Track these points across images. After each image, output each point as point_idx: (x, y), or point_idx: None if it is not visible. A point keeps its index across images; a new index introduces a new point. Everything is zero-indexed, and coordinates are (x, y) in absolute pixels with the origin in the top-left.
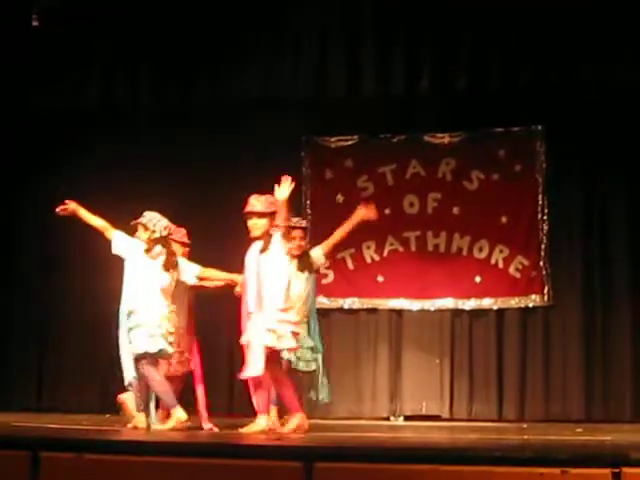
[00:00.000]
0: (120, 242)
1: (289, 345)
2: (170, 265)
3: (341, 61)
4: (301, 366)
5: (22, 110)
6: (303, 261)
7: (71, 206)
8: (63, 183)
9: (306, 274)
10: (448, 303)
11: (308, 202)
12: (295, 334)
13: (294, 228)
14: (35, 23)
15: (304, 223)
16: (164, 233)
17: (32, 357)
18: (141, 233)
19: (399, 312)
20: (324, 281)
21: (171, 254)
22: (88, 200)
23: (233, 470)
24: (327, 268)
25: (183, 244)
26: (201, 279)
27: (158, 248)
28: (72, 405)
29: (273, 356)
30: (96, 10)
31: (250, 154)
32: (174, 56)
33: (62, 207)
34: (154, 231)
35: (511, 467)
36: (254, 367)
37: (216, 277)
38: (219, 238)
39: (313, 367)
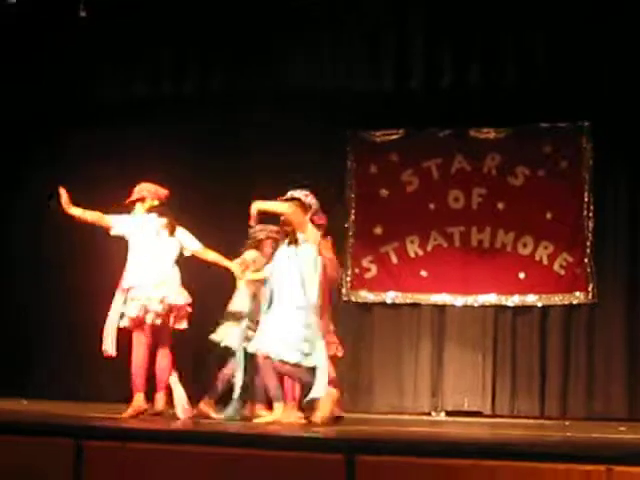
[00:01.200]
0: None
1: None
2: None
3: (389, 54)
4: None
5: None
6: None
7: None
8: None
9: None
10: (491, 299)
11: (352, 196)
12: None
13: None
14: (83, 13)
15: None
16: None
17: (49, 341)
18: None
19: (442, 307)
20: (367, 275)
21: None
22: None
23: (274, 461)
24: (371, 262)
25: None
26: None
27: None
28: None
29: None
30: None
31: (295, 147)
32: (220, 44)
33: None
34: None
35: (555, 463)
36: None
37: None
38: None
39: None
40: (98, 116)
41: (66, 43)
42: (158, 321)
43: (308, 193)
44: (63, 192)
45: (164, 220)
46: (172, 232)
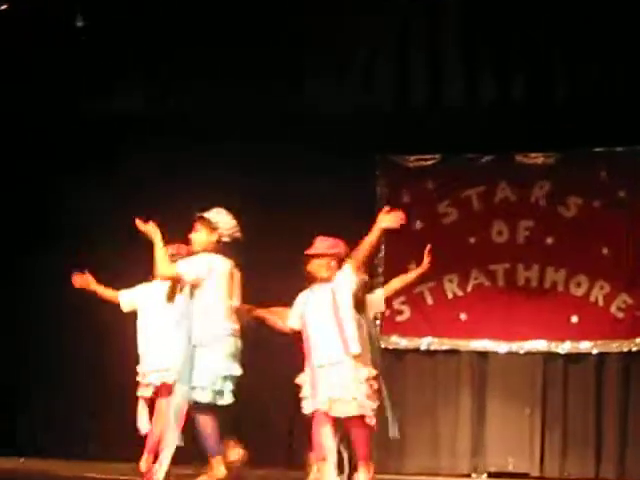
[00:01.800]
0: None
1: None
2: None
3: (421, 69)
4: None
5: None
6: None
7: (86, 278)
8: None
9: None
10: (540, 346)
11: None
12: None
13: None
14: (80, 23)
15: None
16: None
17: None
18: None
19: (484, 355)
20: (399, 318)
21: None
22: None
23: None
24: (403, 303)
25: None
26: None
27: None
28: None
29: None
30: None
31: (320, 173)
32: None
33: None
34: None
35: None
36: None
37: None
38: (281, 268)
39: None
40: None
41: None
42: None
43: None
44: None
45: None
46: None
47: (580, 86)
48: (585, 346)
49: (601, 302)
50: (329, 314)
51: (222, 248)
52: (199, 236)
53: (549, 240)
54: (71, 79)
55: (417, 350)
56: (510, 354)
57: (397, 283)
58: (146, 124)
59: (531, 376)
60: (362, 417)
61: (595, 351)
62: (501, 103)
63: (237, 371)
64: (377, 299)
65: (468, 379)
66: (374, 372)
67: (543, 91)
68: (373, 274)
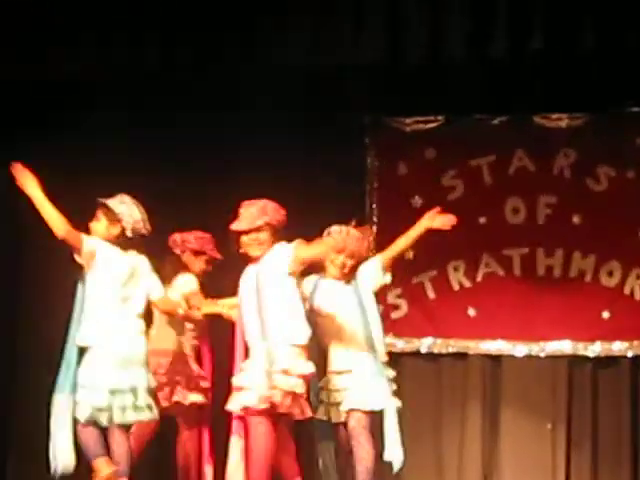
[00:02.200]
0: None
1: None
2: None
3: (418, 13)
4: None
5: None
6: None
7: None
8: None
9: None
10: (565, 347)
11: (374, 206)
12: None
13: None
14: None
15: None
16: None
17: None
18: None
19: (497, 359)
20: (394, 315)
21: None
22: None
23: None
24: (399, 297)
25: None
26: None
27: None
28: None
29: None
30: None
31: (294, 141)
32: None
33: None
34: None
35: None
36: None
37: None
38: None
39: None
40: None
41: None
42: None
43: None
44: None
45: None
46: None
47: (611, 33)
48: (618, 347)
49: (637, 295)
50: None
51: (126, 243)
52: (99, 226)
53: (575, 219)
54: None
55: (416, 353)
56: (529, 357)
57: (402, 243)
58: None
59: (554, 384)
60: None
61: (630, 353)
62: (517, 53)
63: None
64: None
65: (478, 388)
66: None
67: (567, 39)
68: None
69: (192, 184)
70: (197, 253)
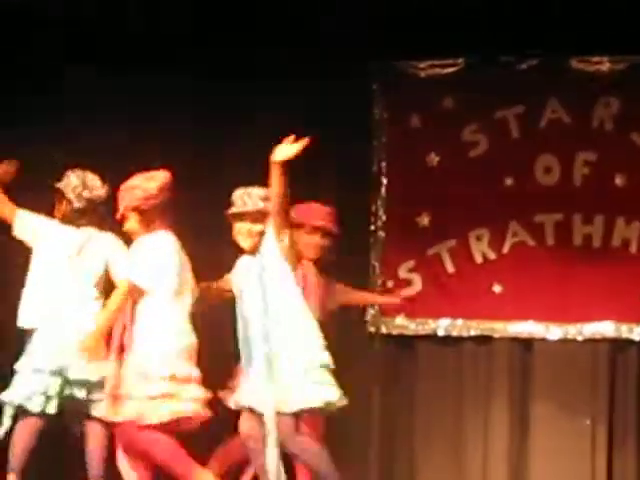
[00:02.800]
0: None
1: None
2: None
3: None
4: None
5: None
6: None
7: None
8: None
9: None
10: (606, 329)
11: (383, 165)
12: None
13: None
14: None
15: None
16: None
17: None
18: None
19: (527, 342)
20: (405, 292)
21: None
22: None
23: None
24: (411, 271)
25: None
26: None
27: None
28: None
29: None
30: None
31: (291, 91)
32: None
33: None
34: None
35: None
36: None
37: None
38: None
39: None
40: None
41: None
42: None
43: None
44: None
45: None
46: None
47: None
48: None
49: None
50: None
51: (82, 218)
52: (56, 211)
53: (618, 180)
54: None
55: (432, 337)
56: (564, 341)
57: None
58: None
59: (593, 372)
60: None
61: None
62: None
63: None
64: None
65: (505, 377)
66: None
67: None
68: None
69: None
70: None
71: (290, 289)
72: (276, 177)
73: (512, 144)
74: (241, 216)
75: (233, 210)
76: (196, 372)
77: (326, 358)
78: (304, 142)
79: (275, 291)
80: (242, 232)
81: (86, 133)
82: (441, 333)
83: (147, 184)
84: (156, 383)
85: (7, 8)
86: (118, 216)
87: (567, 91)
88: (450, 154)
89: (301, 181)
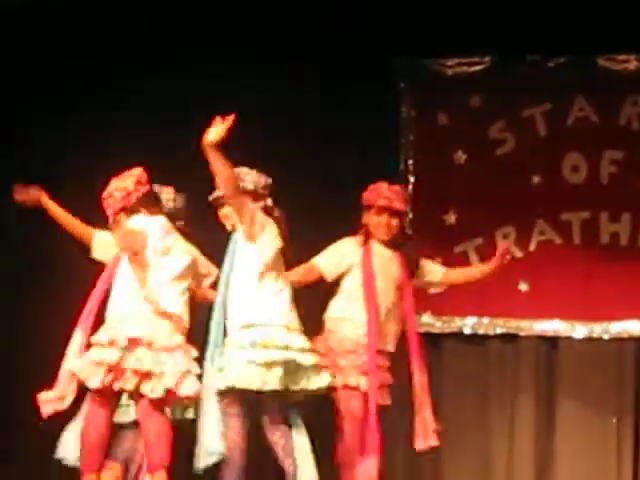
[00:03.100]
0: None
1: None
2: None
3: None
4: None
5: None
6: None
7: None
8: None
9: None
10: (632, 328)
11: (410, 162)
12: None
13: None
14: None
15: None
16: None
17: None
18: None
19: (553, 341)
20: (432, 290)
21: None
22: None
23: None
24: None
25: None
26: None
27: None
28: None
29: None
30: None
31: (315, 90)
32: None
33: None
34: (265, 196)
35: None
36: None
37: None
38: None
39: None
40: None
41: None
42: None
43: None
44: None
45: None
46: None
47: None
48: None
49: None
50: None
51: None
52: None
53: None
54: None
55: (458, 335)
56: (590, 340)
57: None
58: None
59: (619, 370)
60: None
61: None
62: None
63: None
64: None
65: (531, 375)
66: None
67: None
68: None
69: None
70: None
71: (245, 269)
72: (214, 160)
73: (539, 142)
74: (220, 200)
75: (213, 195)
76: None
77: (260, 337)
78: (230, 120)
79: (236, 270)
80: (223, 216)
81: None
82: (467, 331)
83: (123, 183)
84: None
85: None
86: (111, 223)
87: (594, 89)
88: (477, 152)
89: (329, 178)
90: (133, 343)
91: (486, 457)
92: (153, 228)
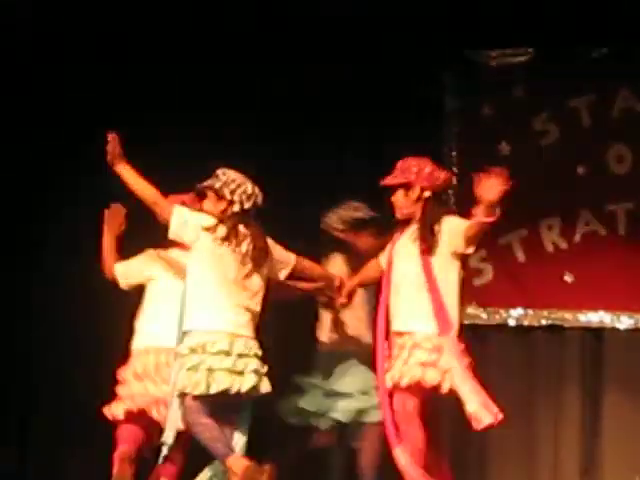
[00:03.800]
0: (184, 221)
1: None
2: (260, 256)
3: None
4: None
5: None
6: None
7: (112, 146)
8: None
9: None
10: None
11: (454, 154)
12: None
13: None
14: None
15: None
16: (248, 205)
17: None
18: (210, 204)
19: (598, 332)
20: (477, 281)
21: (258, 238)
22: None
23: None
24: (483, 260)
25: None
26: (295, 273)
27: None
28: None
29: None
30: None
31: (359, 83)
32: None
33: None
34: (232, 201)
35: None
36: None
37: (312, 272)
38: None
39: None
40: None
41: None
42: None
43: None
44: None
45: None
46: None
47: None
48: None
49: None
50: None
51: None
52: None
53: None
54: None
55: (504, 326)
56: (635, 331)
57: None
58: None
59: None
60: None
61: None
62: None
63: None
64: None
65: (576, 367)
66: None
67: None
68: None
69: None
70: None
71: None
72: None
73: (584, 133)
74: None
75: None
76: None
77: (186, 344)
78: (113, 138)
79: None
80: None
81: None
82: (512, 323)
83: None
84: None
85: None
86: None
87: (639, 80)
88: (521, 143)
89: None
90: None
91: (532, 447)
92: None
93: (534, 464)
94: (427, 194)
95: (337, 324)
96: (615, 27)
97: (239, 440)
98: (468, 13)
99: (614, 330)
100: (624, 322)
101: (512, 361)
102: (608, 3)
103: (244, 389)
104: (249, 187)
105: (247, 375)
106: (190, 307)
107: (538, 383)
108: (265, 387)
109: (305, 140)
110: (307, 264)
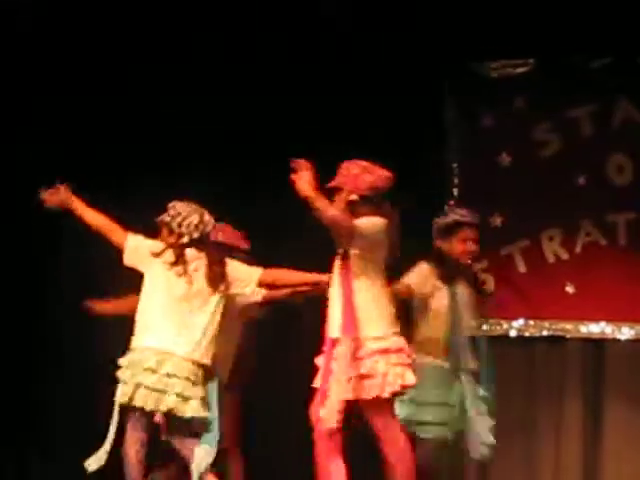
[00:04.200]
0: (135, 247)
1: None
2: (215, 277)
3: None
4: None
5: None
6: None
7: (62, 193)
8: None
9: None
10: None
11: (454, 165)
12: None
13: None
14: None
15: None
16: (196, 234)
17: None
18: (165, 236)
19: (600, 343)
20: None
21: (213, 260)
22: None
23: None
24: (484, 271)
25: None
26: (268, 284)
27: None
28: None
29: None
30: None
31: (360, 93)
32: None
33: (50, 192)
34: (182, 233)
35: None
36: None
37: (290, 279)
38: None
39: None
40: None
41: None
42: None
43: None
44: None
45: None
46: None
47: None
48: None
49: None
50: None
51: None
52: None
53: None
54: None
55: (505, 337)
56: (637, 341)
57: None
58: None
59: None
60: None
61: None
62: None
63: None
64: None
65: (578, 378)
66: None
67: None
68: None
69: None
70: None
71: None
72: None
73: (584, 143)
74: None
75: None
76: None
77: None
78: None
79: None
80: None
81: None
82: (513, 334)
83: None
84: None
85: None
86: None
87: (638, 90)
88: (522, 154)
89: None
90: None
91: (534, 458)
92: None
93: (535, 474)
94: (353, 197)
95: None
96: (615, 38)
97: (202, 459)
98: (469, 25)
99: (615, 341)
100: (625, 333)
101: (513, 372)
102: (608, 14)
103: (163, 409)
104: (196, 218)
105: (168, 396)
106: (136, 326)
107: (539, 393)
108: (192, 411)
109: (304, 155)
110: (280, 274)
